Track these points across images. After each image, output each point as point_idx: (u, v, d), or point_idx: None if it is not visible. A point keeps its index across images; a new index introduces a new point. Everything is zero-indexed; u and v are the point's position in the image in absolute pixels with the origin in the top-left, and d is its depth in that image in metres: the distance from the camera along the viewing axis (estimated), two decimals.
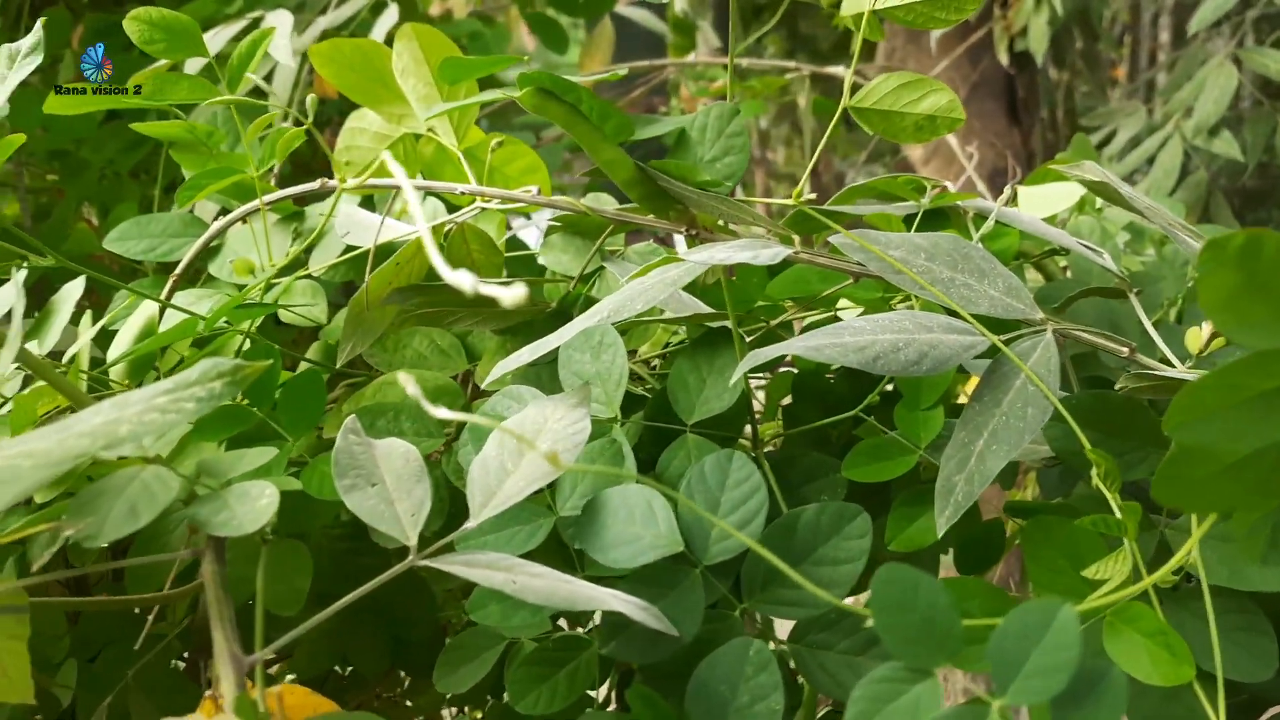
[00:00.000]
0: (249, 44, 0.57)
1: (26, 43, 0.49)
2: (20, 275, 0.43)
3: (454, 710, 0.83)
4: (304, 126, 0.56)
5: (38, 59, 0.48)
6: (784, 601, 0.42)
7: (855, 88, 0.48)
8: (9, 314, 0.63)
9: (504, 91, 0.53)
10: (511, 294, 0.29)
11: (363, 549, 0.66)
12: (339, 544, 0.66)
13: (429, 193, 0.67)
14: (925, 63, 2.10)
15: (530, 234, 0.77)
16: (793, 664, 0.42)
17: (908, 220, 0.53)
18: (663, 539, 0.42)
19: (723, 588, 0.43)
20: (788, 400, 0.61)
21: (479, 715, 0.85)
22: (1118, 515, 0.39)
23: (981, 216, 0.53)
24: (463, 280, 0.29)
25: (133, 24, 0.56)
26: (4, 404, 0.60)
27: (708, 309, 0.58)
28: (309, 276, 0.66)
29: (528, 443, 0.45)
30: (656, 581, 0.43)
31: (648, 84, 1.32)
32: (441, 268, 0.31)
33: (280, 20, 0.77)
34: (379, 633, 0.69)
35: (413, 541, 0.43)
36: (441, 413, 0.38)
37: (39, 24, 0.49)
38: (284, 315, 0.68)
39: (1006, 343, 0.44)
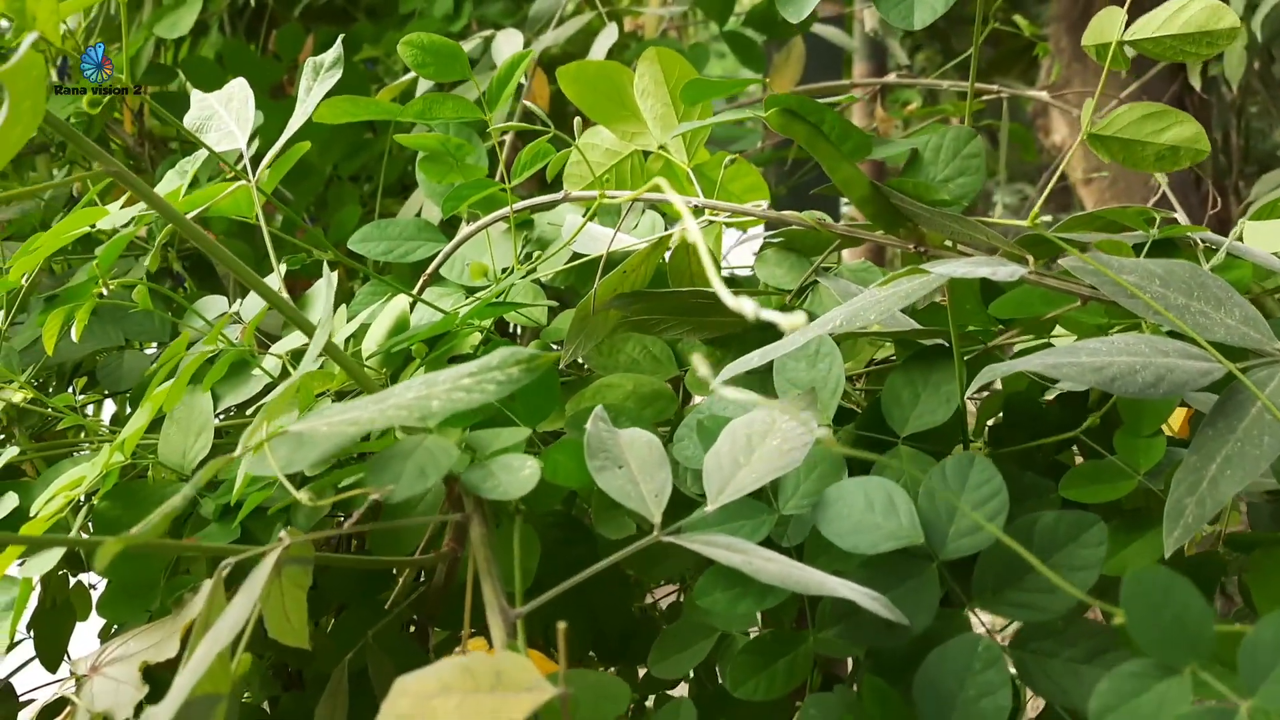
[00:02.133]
0: (507, 67, 0.62)
1: (328, 57, 0.55)
2: (332, 274, 0.49)
3: None
4: (572, 149, 0.61)
5: (338, 73, 0.54)
6: (1014, 604, 0.44)
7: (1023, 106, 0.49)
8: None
9: (749, 112, 0.57)
10: (789, 320, 0.31)
11: (573, 538, 0.70)
12: (550, 532, 0.71)
13: (650, 206, 0.71)
14: (1091, 84, 2.05)
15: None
16: (1013, 669, 0.44)
17: (1136, 249, 0.54)
18: (903, 530, 0.44)
19: (953, 585, 0.45)
20: (993, 421, 0.63)
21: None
22: None
23: (1211, 249, 0.53)
24: (745, 307, 0.32)
25: (406, 49, 0.62)
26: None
27: (920, 326, 0.60)
28: (537, 282, 0.71)
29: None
30: (890, 572, 0.45)
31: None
32: (723, 293, 0.33)
33: (511, 39, 0.83)
34: (582, 618, 0.73)
35: (657, 519, 0.47)
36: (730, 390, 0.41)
37: (339, 40, 0.55)
38: (508, 316, 0.73)
39: (1243, 371, 0.45)
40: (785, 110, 0.55)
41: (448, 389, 0.43)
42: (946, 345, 0.57)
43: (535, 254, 0.70)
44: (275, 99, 1.12)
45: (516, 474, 0.47)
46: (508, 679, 0.38)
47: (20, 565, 0.65)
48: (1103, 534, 0.43)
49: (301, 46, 1.14)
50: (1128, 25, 0.48)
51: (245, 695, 0.70)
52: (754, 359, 0.54)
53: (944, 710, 0.42)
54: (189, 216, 0.53)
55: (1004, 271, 0.48)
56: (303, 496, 0.48)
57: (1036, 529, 0.44)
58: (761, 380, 0.63)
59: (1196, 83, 1.65)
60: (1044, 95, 0.93)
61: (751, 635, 0.58)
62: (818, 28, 1.16)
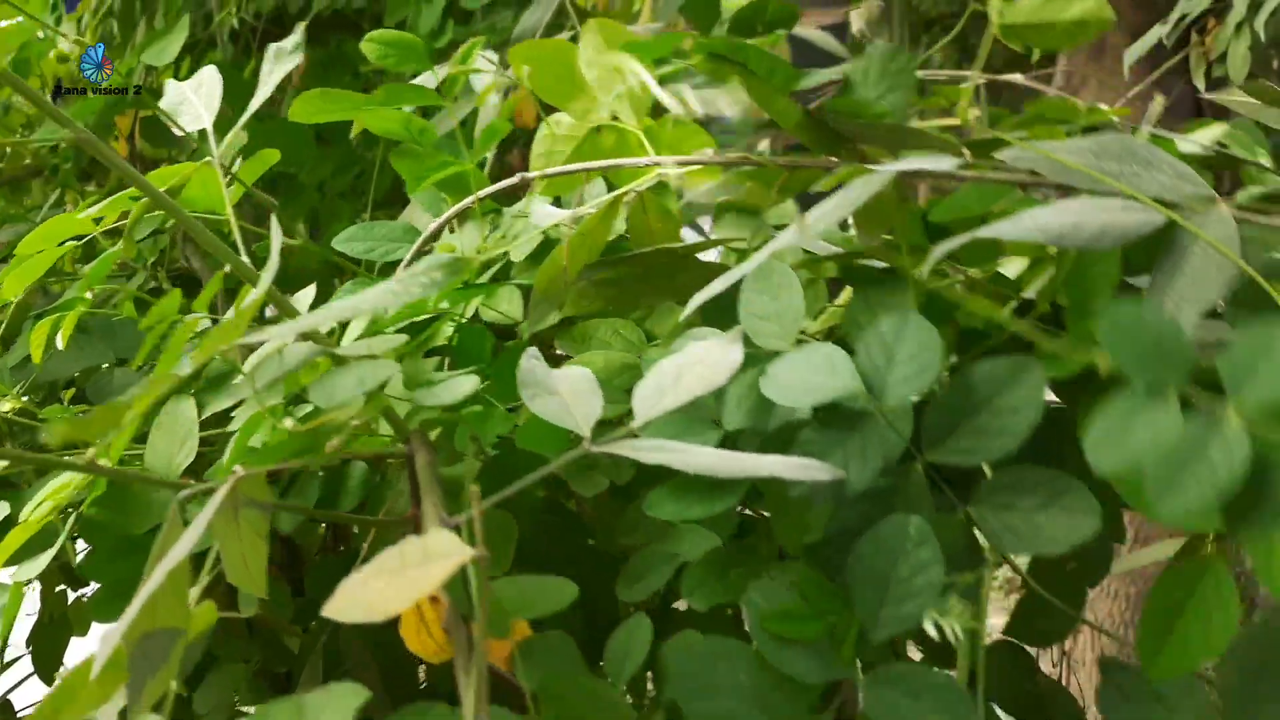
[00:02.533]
0: (464, 51, 0.65)
1: (289, 42, 0.58)
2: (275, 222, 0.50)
3: None
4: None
5: (298, 58, 0.57)
6: (962, 450, 0.43)
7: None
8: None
9: (679, 62, 0.58)
10: (735, 103, 0.31)
11: (560, 522, 0.70)
12: (539, 515, 0.71)
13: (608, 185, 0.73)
14: (1107, 83, 2.05)
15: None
16: (976, 529, 0.43)
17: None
18: (844, 383, 0.44)
19: (902, 439, 0.44)
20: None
21: None
22: None
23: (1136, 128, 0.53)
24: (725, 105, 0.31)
25: (369, 45, 0.65)
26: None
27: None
28: (510, 277, 0.72)
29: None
30: (839, 426, 0.45)
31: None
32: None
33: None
34: (576, 614, 0.72)
35: (587, 434, 0.46)
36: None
37: (299, 26, 0.58)
38: (485, 314, 0.74)
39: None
40: (713, 54, 0.56)
41: (378, 294, 0.44)
42: (899, 271, 0.57)
43: (504, 236, 0.72)
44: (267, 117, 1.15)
45: (458, 387, 0.47)
46: (433, 553, 0.38)
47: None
48: (1040, 376, 0.42)
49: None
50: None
51: (235, 699, 0.69)
52: (716, 286, 0.54)
53: (879, 590, 0.42)
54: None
55: (945, 163, 0.48)
56: (289, 423, 0.49)
57: (976, 375, 0.43)
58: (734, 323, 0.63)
59: (1200, 83, 1.66)
60: (1017, 77, 0.93)
61: None
62: (805, 32, 1.18)
